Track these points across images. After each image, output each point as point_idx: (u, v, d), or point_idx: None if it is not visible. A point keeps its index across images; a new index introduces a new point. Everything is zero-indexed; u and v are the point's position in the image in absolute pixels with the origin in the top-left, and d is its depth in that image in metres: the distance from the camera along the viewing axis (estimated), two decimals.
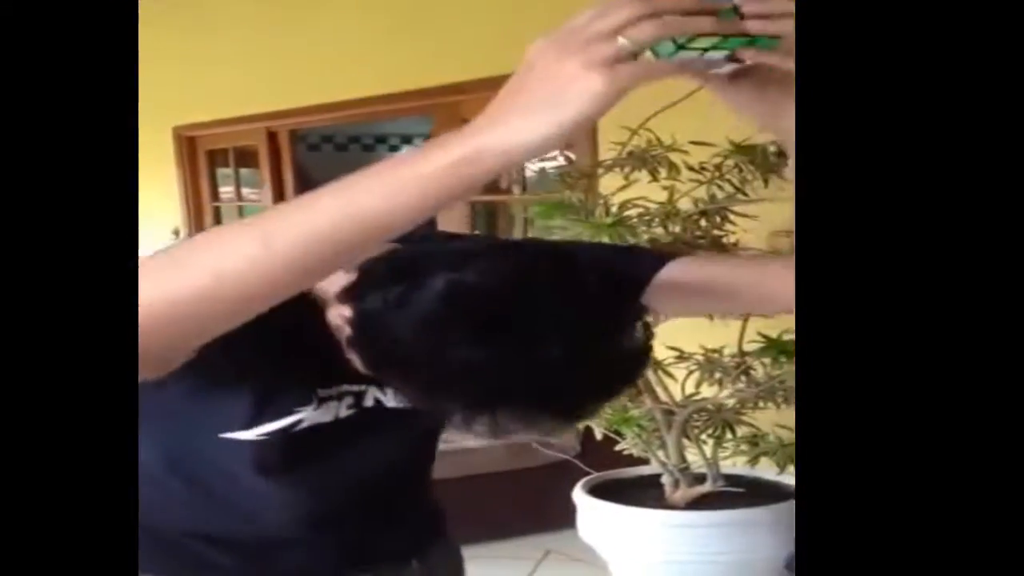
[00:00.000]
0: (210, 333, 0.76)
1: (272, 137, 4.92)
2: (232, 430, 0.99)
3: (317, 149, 6.72)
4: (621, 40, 0.64)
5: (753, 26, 0.69)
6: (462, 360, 0.82)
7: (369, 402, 1.06)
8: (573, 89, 0.64)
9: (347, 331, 0.90)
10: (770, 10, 0.69)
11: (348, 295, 0.89)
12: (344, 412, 1.04)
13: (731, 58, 0.71)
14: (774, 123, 0.78)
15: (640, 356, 0.89)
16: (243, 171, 5.27)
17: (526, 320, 0.82)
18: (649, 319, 0.91)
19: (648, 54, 0.66)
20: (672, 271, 1.06)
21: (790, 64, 0.69)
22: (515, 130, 0.66)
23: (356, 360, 0.92)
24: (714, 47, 0.68)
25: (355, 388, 1.04)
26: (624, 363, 0.89)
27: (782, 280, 1.00)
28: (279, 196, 4.93)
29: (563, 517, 2.93)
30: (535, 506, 3.38)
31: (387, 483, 1.13)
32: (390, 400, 1.06)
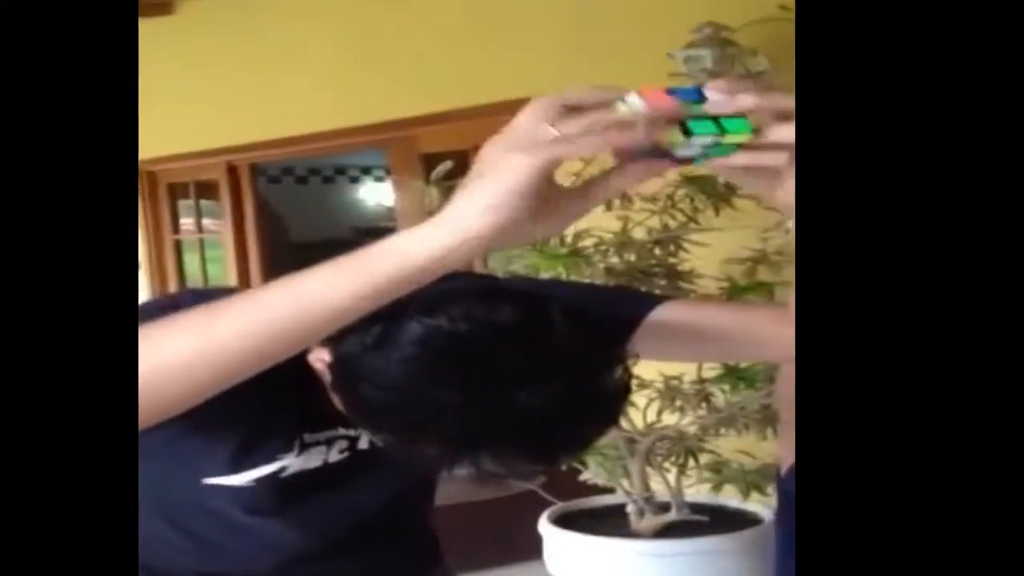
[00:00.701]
0: (164, 415, 0.76)
1: (232, 170, 4.89)
2: (217, 476, 0.99)
3: (277, 181, 6.69)
4: (544, 126, 0.67)
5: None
6: (438, 403, 0.82)
7: (364, 444, 1.05)
8: (497, 171, 0.67)
9: (327, 375, 0.90)
10: (738, 107, 0.70)
11: (328, 338, 0.88)
12: (335, 457, 1.04)
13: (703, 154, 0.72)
14: (769, 194, 0.78)
15: (619, 399, 0.90)
16: (204, 202, 5.23)
17: (502, 365, 0.83)
18: (630, 362, 0.91)
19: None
20: (663, 314, 1.06)
21: (764, 160, 0.72)
22: (456, 219, 0.69)
23: (338, 403, 0.92)
24: (716, 150, 0.70)
25: (349, 432, 1.04)
26: (603, 407, 0.89)
27: (771, 327, 1.00)
28: (239, 228, 4.91)
29: (530, 548, 2.91)
30: (501, 537, 3.35)
31: (386, 520, 1.13)
32: None
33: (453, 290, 0.87)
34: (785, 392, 2.19)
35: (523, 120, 0.68)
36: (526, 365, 0.83)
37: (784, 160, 0.71)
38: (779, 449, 2.25)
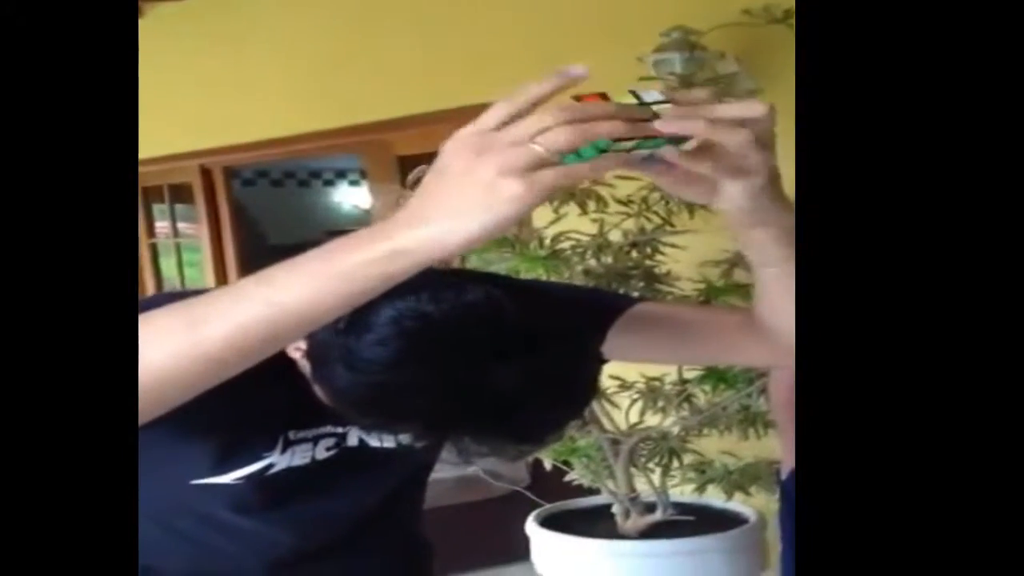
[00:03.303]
0: (146, 418, 0.75)
1: (206, 173, 4.87)
2: (203, 477, 1.00)
3: (252, 184, 6.66)
4: (536, 147, 0.64)
5: (663, 127, 0.69)
6: (415, 383, 0.83)
7: (353, 442, 1.05)
8: (493, 196, 0.64)
9: (306, 364, 0.91)
10: (684, 113, 0.70)
11: None
12: (322, 454, 1.04)
13: (655, 157, 0.72)
14: (710, 201, 0.78)
15: (590, 386, 0.91)
16: (178, 206, 5.20)
17: (473, 344, 0.83)
18: (602, 350, 0.92)
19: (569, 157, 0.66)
20: (639, 311, 1.08)
21: (701, 167, 0.73)
22: (437, 233, 0.66)
23: (319, 393, 0.91)
24: (635, 147, 0.69)
25: (337, 429, 1.04)
26: (574, 391, 0.90)
27: (741, 332, 1.00)
28: (215, 231, 4.89)
29: (517, 549, 2.91)
30: (489, 539, 3.35)
31: (374, 520, 1.13)
32: (374, 440, 1.06)
33: (418, 277, 0.88)
34: (778, 396, 2.20)
35: (509, 134, 0.65)
36: (498, 345, 0.83)
37: (703, 168, 0.73)
38: (780, 452, 2.27)
